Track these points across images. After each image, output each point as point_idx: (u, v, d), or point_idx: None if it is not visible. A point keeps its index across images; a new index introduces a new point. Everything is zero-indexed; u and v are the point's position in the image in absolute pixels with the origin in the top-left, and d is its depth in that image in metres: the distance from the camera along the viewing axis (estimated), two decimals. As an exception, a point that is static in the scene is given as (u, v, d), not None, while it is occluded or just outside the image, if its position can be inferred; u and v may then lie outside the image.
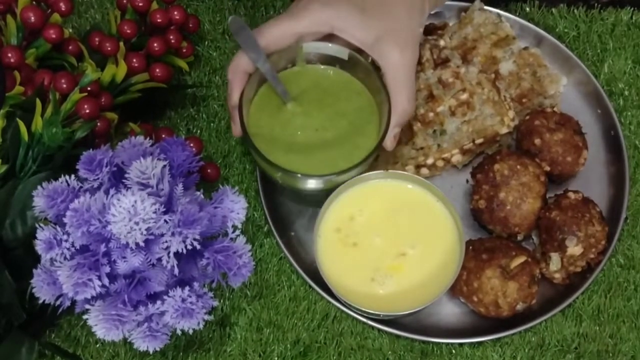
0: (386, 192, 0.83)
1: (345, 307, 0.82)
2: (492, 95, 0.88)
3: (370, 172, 0.82)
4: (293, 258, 0.85)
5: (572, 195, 0.84)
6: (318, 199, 0.84)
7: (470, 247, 0.83)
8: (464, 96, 0.88)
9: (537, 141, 0.87)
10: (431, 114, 0.88)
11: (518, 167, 0.84)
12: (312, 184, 0.81)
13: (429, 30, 0.95)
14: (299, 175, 0.78)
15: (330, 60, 0.84)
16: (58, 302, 0.70)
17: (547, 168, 0.87)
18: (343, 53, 0.83)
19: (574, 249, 0.82)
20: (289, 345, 0.82)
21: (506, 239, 0.85)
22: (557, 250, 0.82)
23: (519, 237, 0.86)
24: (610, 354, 0.83)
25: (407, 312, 0.79)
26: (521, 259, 0.81)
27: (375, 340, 0.83)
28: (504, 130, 0.88)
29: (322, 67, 0.85)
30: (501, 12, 0.96)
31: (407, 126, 0.88)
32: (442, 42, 0.91)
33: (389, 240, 0.81)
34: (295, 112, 0.82)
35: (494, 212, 0.84)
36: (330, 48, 0.83)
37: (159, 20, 0.88)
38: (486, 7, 0.95)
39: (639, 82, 0.97)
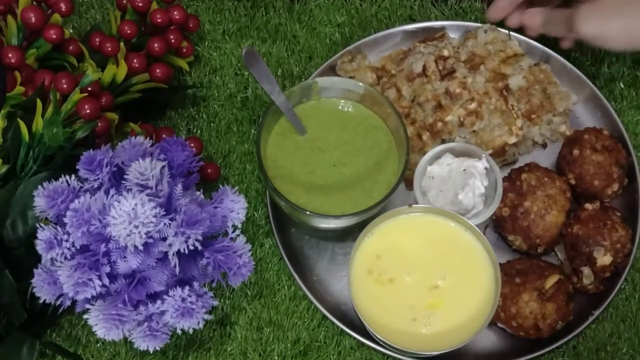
0: (411, 226, 0.81)
1: (385, 348, 0.81)
2: (499, 105, 0.88)
3: (394, 210, 0.81)
4: (320, 304, 0.83)
5: (589, 206, 0.83)
6: (337, 234, 0.84)
7: (501, 271, 0.80)
8: (472, 105, 0.88)
9: (576, 152, 0.86)
10: (440, 124, 0.88)
11: (545, 179, 0.84)
12: (333, 223, 0.80)
13: (427, 39, 0.95)
14: (317, 215, 0.77)
15: (346, 95, 0.84)
16: (59, 302, 0.70)
17: (573, 181, 0.86)
18: (359, 87, 0.83)
19: (603, 259, 0.81)
20: (289, 345, 0.82)
21: (535, 259, 0.84)
22: (587, 264, 0.82)
23: (539, 250, 0.84)
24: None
25: (449, 349, 0.77)
26: (555, 278, 0.80)
27: (375, 340, 0.83)
28: (512, 139, 0.87)
29: (339, 101, 0.85)
30: (511, 33, 0.95)
31: (417, 135, 0.88)
32: (446, 52, 0.91)
33: (420, 274, 0.79)
34: (312, 148, 0.82)
35: (517, 220, 0.83)
36: (346, 82, 0.84)
37: (159, 20, 0.88)
38: (496, 28, 0.94)
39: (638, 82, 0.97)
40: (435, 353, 0.78)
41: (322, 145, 0.82)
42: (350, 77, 0.91)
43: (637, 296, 0.86)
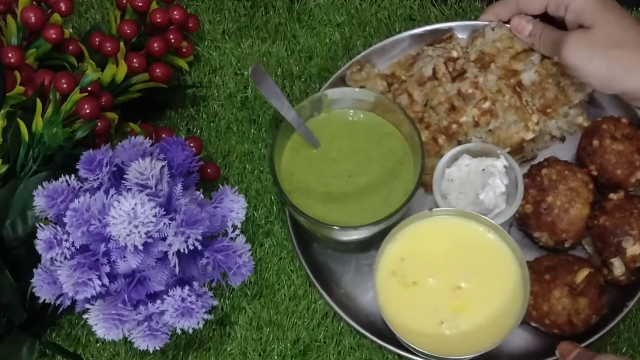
0: (434, 229, 0.80)
1: (413, 354, 0.79)
2: (514, 102, 0.87)
3: (415, 215, 0.80)
4: (352, 320, 0.82)
5: (614, 196, 0.82)
6: (360, 246, 0.83)
7: (530, 270, 0.78)
8: (486, 105, 0.87)
9: (596, 143, 0.84)
10: (455, 126, 0.87)
11: (566, 172, 0.82)
12: (354, 235, 0.80)
13: (435, 41, 0.94)
14: (336, 227, 0.77)
15: (358, 105, 0.84)
16: (59, 302, 0.70)
17: (595, 173, 0.84)
18: (370, 96, 0.83)
19: (632, 248, 0.79)
20: (289, 345, 0.82)
21: (563, 254, 0.82)
22: (617, 255, 0.80)
23: (567, 245, 0.83)
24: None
25: (479, 353, 0.75)
26: (585, 272, 0.78)
27: (367, 339, 0.83)
28: (530, 135, 0.86)
29: (351, 111, 0.85)
30: None
31: (432, 139, 0.87)
32: (455, 53, 0.90)
33: (444, 276, 0.78)
34: (326, 160, 0.82)
35: (541, 217, 0.82)
36: (356, 92, 0.84)
37: (158, 20, 0.88)
38: (503, 24, 0.93)
39: None
40: (465, 357, 0.76)
41: (336, 157, 0.82)
42: (361, 87, 0.90)
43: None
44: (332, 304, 0.82)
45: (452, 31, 0.95)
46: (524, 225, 0.85)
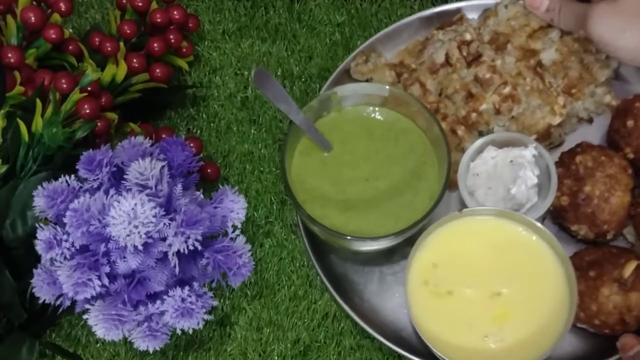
0: (466, 231, 0.74)
1: None
2: (536, 84, 0.80)
3: (444, 218, 0.74)
4: (377, 332, 0.77)
5: None
6: (383, 253, 0.78)
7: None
8: (507, 89, 0.80)
9: (630, 123, 0.77)
10: (474, 115, 0.81)
11: (602, 158, 0.75)
12: (376, 245, 0.74)
13: (444, 24, 0.87)
14: (357, 238, 0.71)
15: (369, 100, 0.78)
16: (58, 302, 0.70)
17: (631, 155, 0.77)
18: (382, 90, 0.76)
19: None
20: (289, 345, 0.82)
21: (604, 246, 0.76)
22: None
23: (608, 237, 0.76)
24: None
25: None
26: (633, 264, 0.71)
27: (375, 340, 0.83)
28: (557, 119, 0.79)
29: (362, 108, 0.78)
30: None
31: (451, 131, 0.82)
32: (467, 36, 0.83)
33: (480, 283, 0.71)
34: (340, 163, 0.75)
35: (579, 208, 0.75)
36: (367, 87, 0.78)
37: (158, 20, 0.88)
38: (517, 0, 0.86)
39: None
40: None
41: (350, 160, 0.76)
42: (368, 79, 0.85)
43: None
44: (356, 319, 0.77)
45: (461, 12, 0.88)
46: (559, 218, 0.78)
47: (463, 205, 0.77)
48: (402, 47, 0.89)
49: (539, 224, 0.72)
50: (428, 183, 0.74)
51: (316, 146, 0.77)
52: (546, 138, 0.82)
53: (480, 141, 0.79)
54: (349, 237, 0.71)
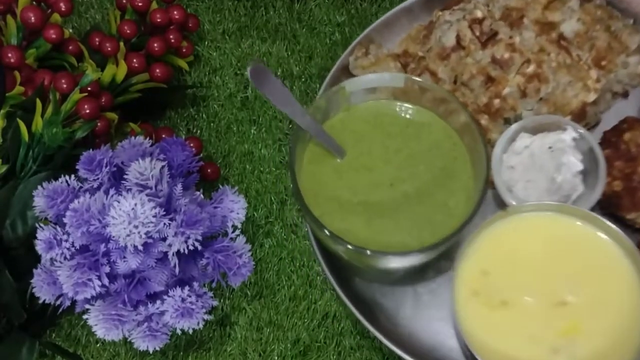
0: (517, 231, 0.65)
1: None
2: (562, 59, 0.72)
3: (487, 221, 0.65)
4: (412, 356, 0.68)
5: None
6: (414, 269, 0.69)
7: None
8: (531, 68, 0.72)
9: None
10: (497, 101, 0.73)
11: None
12: (414, 260, 0.64)
13: (449, 4, 0.79)
14: (392, 255, 0.61)
15: (382, 93, 0.69)
16: (58, 302, 0.70)
17: None
18: (397, 80, 0.67)
19: None
20: (289, 345, 0.82)
21: None
22: None
23: None
24: None
25: None
26: None
27: (374, 340, 0.83)
28: (592, 96, 0.71)
29: (374, 103, 0.69)
30: None
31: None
32: (479, 13, 0.76)
33: (541, 290, 0.62)
34: (357, 168, 0.66)
35: (636, 192, 0.66)
36: (379, 78, 0.68)
37: (158, 20, 0.88)
38: None
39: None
40: None
41: (368, 163, 0.67)
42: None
43: None
44: (394, 348, 0.69)
45: None
46: (611, 207, 0.69)
47: (501, 203, 0.69)
48: (403, 35, 0.82)
49: (601, 218, 0.64)
50: (462, 181, 0.65)
51: (327, 152, 0.68)
52: (581, 119, 0.73)
53: (512, 129, 0.71)
54: (380, 255, 0.61)
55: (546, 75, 0.73)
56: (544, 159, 0.69)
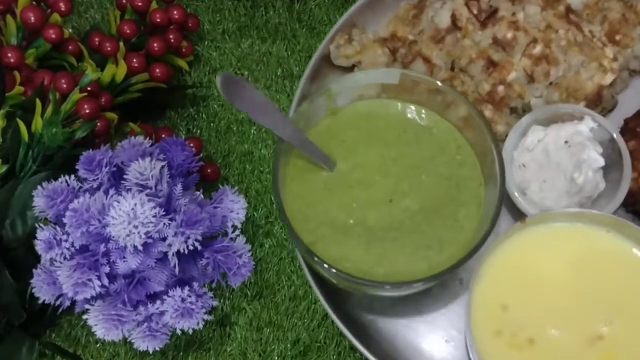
0: (538, 250, 0.53)
1: None
2: (572, 36, 0.63)
3: (503, 234, 0.53)
4: None
5: None
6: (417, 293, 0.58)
7: None
8: (538, 49, 0.63)
9: None
10: (501, 88, 0.63)
11: None
12: (422, 286, 0.55)
13: None
14: (397, 286, 0.52)
15: (374, 92, 0.59)
16: (58, 302, 0.70)
17: None
18: (391, 76, 0.58)
19: None
20: (289, 345, 0.82)
21: None
22: None
23: None
24: None
25: None
26: None
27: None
28: (609, 78, 0.62)
29: (364, 104, 0.59)
30: None
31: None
32: None
33: (572, 322, 0.52)
34: (349, 183, 0.57)
35: None
36: (369, 75, 0.58)
37: (158, 20, 0.88)
38: None
39: None
40: None
41: (363, 177, 0.58)
42: (355, 64, 0.67)
43: None
44: None
45: None
46: (636, 204, 0.60)
47: (513, 208, 0.58)
48: (389, 15, 0.72)
49: (631, 224, 0.52)
50: (472, 190, 0.56)
51: (313, 166, 0.58)
52: (597, 103, 0.65)
53: (522, 122, 0.61)
54: (387, 286, 0.52)
55: (555, 56, 0.65)
56: (560, 156, 0.60)
